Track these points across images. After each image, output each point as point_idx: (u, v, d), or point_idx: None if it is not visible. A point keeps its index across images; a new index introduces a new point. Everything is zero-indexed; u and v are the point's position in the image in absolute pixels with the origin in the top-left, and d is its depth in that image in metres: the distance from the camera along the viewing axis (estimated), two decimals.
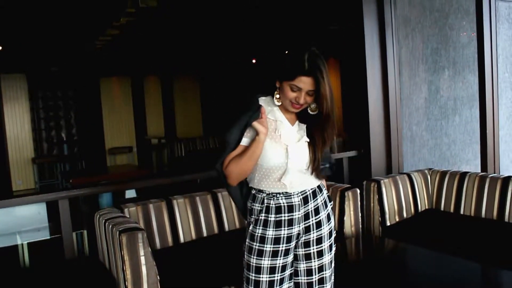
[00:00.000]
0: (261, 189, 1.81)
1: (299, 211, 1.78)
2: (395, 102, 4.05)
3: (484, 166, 4.01)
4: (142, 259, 2.38)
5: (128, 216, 2.83)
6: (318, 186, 1.86)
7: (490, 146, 3.97)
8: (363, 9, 3.86)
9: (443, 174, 3.63)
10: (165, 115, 10.56)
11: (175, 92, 10.63)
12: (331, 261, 1.89)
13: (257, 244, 1.79)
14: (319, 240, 1.83)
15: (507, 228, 3.11)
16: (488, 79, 4.02)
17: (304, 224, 1.80)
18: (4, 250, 3.49)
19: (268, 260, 1.77)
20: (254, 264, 1.79)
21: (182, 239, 3.08)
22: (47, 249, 3.46)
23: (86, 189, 3.06)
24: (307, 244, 1.83)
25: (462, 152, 4.64)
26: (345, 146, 7.29)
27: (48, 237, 4.18)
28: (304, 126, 1.82)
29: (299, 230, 1.80)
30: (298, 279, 1.88)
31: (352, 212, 3.13)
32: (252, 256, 1.80)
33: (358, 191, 3.18)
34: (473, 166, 4.72)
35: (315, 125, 1.78)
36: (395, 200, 3.42)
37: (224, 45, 8.15)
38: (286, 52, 1.87)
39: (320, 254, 1.84)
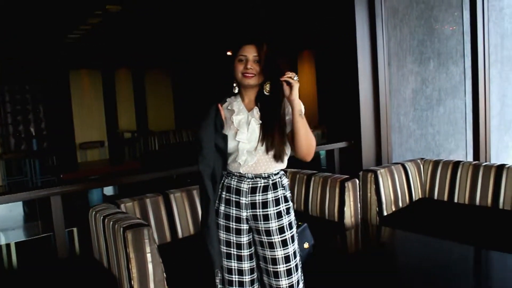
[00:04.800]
0: (227, 168, 1.99)
1: (245, 197, 1.90)
2: (384, 93, 4.06)
3: (476, 155, 4.09)
4: (148, 256, 2.28)
5: (126, 212, 2.72)
6: (274, 184, 1.91)
7: (482, 135, 4.05)
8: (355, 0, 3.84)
9: (435, 163, 3.67)
10: (136, 108, 10.33)
11: (147, 85, 10.41)
12: (286, 257, 1.90)
13: (216, 217, 1.97)
14: (267, 232, 1.89)
15: (502, 215, 3.18)
16: (480, 68, 4.09)
17: (252, 212, 1.90)
18: None
19: (223, 233, 1.95)
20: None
21: (180, 234, 3.00)
22: (34, 248, 3.29)
23: (79, 185, 2.91)
24: (258, 232, 1.91)
25: (446, 142, 4.72)
26: (324, 138, 7.32)
27: (29, 237, 3.99)
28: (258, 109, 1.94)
29: (247, 215, 1.91)
30: (259, 263, 1.98)
31: (352, 203, 3.11)
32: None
33: (357, 181, 3.17)
34: (456, 155, 4.82)
35: (269, 106, 1.90)
36: (391, 190, 3.44)
37: (196, 37, 8.02)
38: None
39: (271, 245, 1.89)
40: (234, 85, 1.95)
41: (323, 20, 4.34)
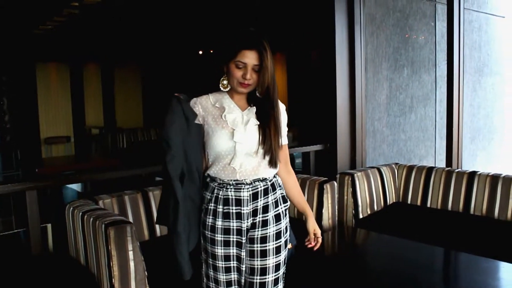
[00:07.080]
0: (213, 176, 1.79)
1: (247, 206, 1.75)
2: (361, 98, 4.14)
3: (449, 161, 4.22)
4: (130, 254, 2.25)
5: (105, 208, 2.67)
6: (273, 184, 1.81)
7: (455, 142, 4.19)
8: (335, 5, 3.90)
9: (409, 168, 3.77)
10: (104, 104, 10.11)
11: (116, 81, 10.22)
12: (276, 266, 1.80)
13: (209, 233, 1.79)
14: (263, 239, 1.77)
15: (473, 220, 3.30)
16: (455, 77, 4.22)
17: (252, 219, 1.77)
18: None
19: (221, 248, 1.77)
20: (210, 251, 1.79)
21: (158, 233, 2.96)
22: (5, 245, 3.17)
23: (56, 179, 2.83)
24: (251, 241, 1.78)
25: (416, 148, 4.86)
26: (295, 141, 7.37)
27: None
28: (254, 110, 1.79)
29: (247, 225, 1.76)
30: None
31: (329, 205, 3.16)
32: (207, 243, 1.80)
33: (335, 183, 3.22)
34: (425, 161, 4.97)
35: (264, 107, 1.76)
36: (367, 193, 3.51)
37: (168, 34, 7.95)
38: (229, 30, 1.87)
39: (263, 254, 1.77)
40: (225, 82, 1.76)
41: (300, 23, 4.37)
